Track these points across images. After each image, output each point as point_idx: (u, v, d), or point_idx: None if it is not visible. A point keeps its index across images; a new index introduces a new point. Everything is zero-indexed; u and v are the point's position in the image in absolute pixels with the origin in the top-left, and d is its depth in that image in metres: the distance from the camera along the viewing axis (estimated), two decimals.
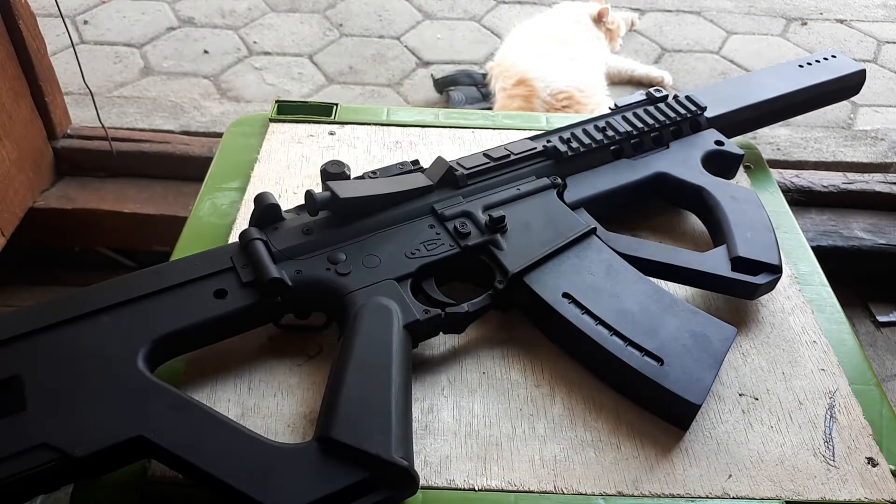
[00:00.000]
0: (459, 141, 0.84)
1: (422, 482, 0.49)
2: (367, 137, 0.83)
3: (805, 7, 2.30)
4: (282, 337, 0.59)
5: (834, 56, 0.85)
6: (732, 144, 0.74)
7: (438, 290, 0.59)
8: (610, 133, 0.71)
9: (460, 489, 0.50)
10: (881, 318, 1.31)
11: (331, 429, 0.47)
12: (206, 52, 1.89)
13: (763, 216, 0.66)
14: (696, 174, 0.70)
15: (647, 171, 0.70)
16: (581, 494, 0.50)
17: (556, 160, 0.68)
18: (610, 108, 0.75)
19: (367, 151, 0.81)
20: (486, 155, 0.67)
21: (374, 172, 0.64)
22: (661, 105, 0.75)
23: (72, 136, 1.30)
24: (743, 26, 2.18)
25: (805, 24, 2.21)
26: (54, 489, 0.44)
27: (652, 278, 0.60)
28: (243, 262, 0.55)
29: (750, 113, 0.79)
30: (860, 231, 1.29)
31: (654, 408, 0.54)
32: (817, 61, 0.84)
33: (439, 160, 0.65)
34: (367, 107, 0.90)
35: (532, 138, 0.70)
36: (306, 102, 0.87)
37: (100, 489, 0.49)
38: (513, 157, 0.67)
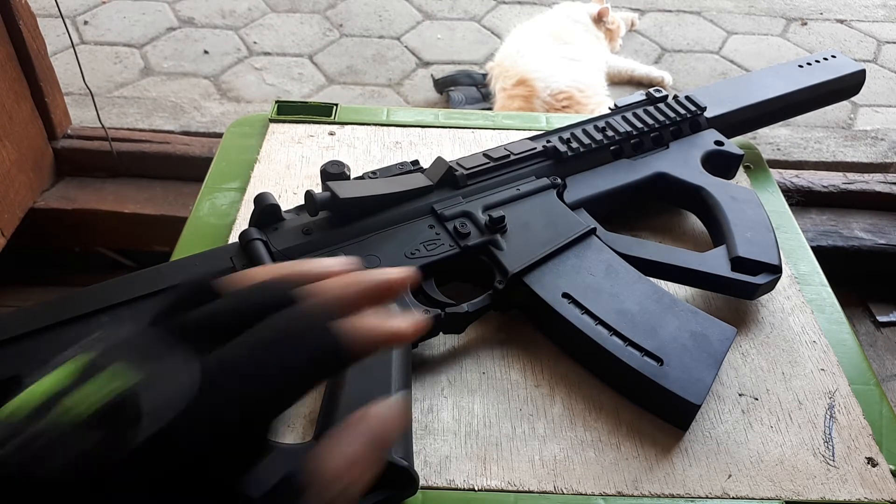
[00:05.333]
0: (459, 141, 0.84)
1: (421, 482, 0.49)
2: (366, 138, 0.83)
3: (805, 7, 2.30)
4: None
5: (834, 56, 0.85)
6: (732, 144, 0.74)
7: (438, 290, 0.59)
8: (610, 133, 0.71)
9: (460, 489, 0.50)
10: (881, 318, 1.31)
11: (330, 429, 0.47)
12: (206, 52, 1.90)
13: (763, 216, 0.66)
14: (696, 174, 0.70)
15: (646, 172, 0.70)
16: (581, 494, 0.50)
17: (556, 160, 0.68)
18: (610, 109, 0.75)
19: (366, 152, 0.81)
20: (485, 155, 0.67)
21: (373, 173, 0.64)
22: (661, 105, 0.75)
23: (72, 136, 1.30)
24: (743, 26, 2.18)
25: (805, 24, 2.21)
26: None
27: (652, 278, 0.60)
28: (243, 263, 0.55)
29: (750, 113, 0.79)
30: (860, 231, 1.29)
31: (653, 408, 0.54)
32: (817, 61, 0.84)
33: (439, 160, 0.65)
34: (367, 107, 0.90)
35: (532, 138, 0.70)
36: (306, 103, 0.87)
37: None
38: (513, 158, 0.67)
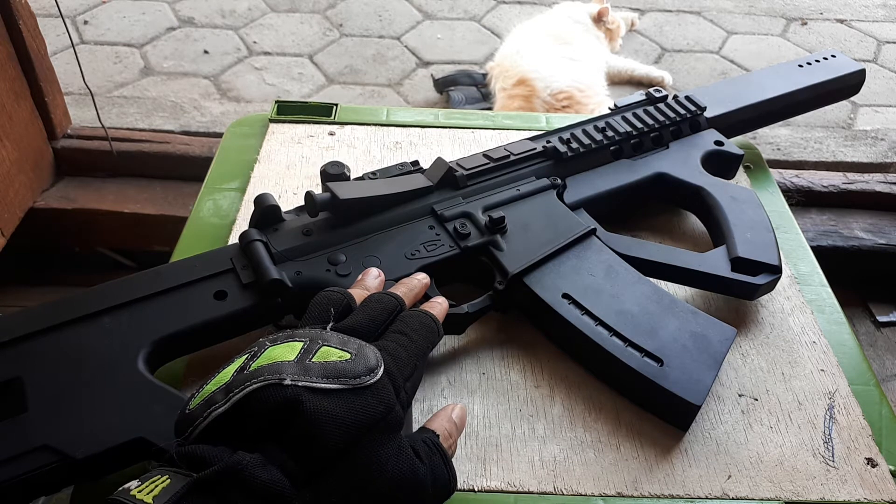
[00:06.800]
0: (459, 141, 0.84)
1: None
2: (366, 138, 0.83)
3: (805, 7, 2.30)
4: None
5: (833, 56, 0.85)
6: (732, 144, 0.74)
7: (438, 291, 0.59)
8: (610, 133, 0.71)
9: (460, 490, 0.50)
10: (881, 318, 1.31)
11: None
12: (206, 52, 1.90)
13: (763, 216, 0.66)
14: (696, 174, 0.70)
15: (646, 172, 0.70)
16: (580, 495, 0.50)
17: (556, 161, 0.68)
18: (610, 109, 0.75)
19: (366, 152, 0.81)
20: (485, 155, 0.67)
21: (373, 173, 0.64)
22: (661, 105, 0.75)
23: (72, 136, 1.30)
24: (743, 26, 2.18)
25: (805, 24, 2.21)
26: (56, 491, 0.44)
27: (652, 279, 0.60)
28: (243, 264, 0.55)
29: (750, 113, 0.79)
30: (860, 231, 1.29)
31: (653, 408, 0.54)
32: (817, 61, 0.84)
33: (439, 161, 0.65)
34: (366, 107, 0.90)
35: (532, 139, 0.70)
36: (306, 103, 0.87)
37: (101, 490, 0.49)
38: (512, 158, 0.67)
